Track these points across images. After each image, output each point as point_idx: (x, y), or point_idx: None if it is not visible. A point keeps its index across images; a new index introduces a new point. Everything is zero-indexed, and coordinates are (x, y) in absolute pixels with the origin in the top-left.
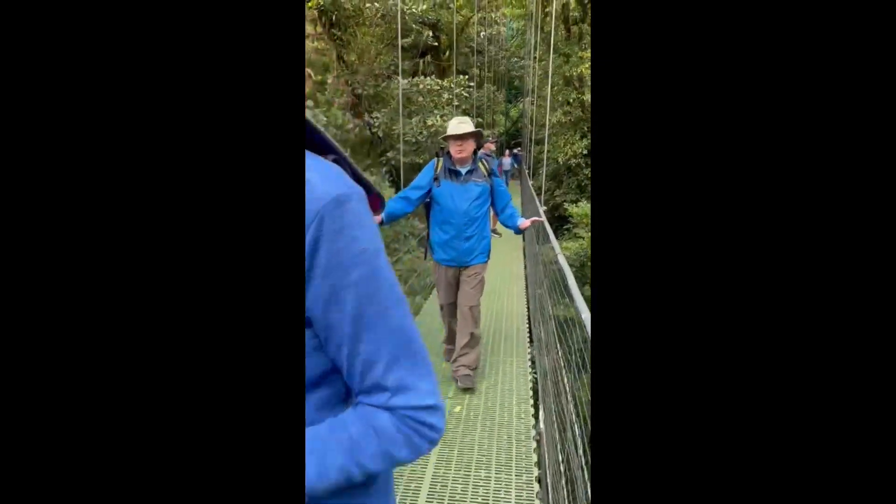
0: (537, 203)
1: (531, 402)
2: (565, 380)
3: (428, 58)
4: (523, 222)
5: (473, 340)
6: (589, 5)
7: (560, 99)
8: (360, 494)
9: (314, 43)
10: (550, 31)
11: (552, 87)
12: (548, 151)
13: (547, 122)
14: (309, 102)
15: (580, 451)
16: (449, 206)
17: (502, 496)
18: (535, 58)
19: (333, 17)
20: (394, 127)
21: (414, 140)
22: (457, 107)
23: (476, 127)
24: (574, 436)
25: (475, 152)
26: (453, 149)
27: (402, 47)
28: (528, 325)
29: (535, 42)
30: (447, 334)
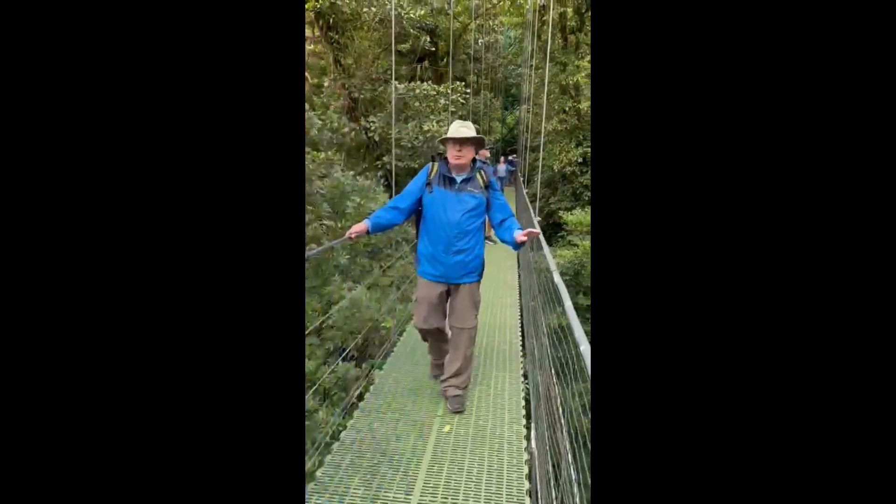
0: (531, 212)
1: (524, 421)
2: (566, 441)
3: (425, 63)
4: (519, 234)
5: (466, 361)
6: (586, 15)
7: (556, 107)
8: None
9: (311, 46)
10: (547, 39)
11: (548, 95)
12: (543, 159)
13: (542, 130)
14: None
15: (575, 489)
16: (439, 216)
17: None
18: (531, 66)
19: (331, 21)
20: (390, 131)
21: (410, 145)
22: (453, 113)
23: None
24: (569, 469)
25: (474, 161)
26: (451, 153)
27: (400, 52)
28: (521, 336)
29: (532, 50)
30: (430, 348)
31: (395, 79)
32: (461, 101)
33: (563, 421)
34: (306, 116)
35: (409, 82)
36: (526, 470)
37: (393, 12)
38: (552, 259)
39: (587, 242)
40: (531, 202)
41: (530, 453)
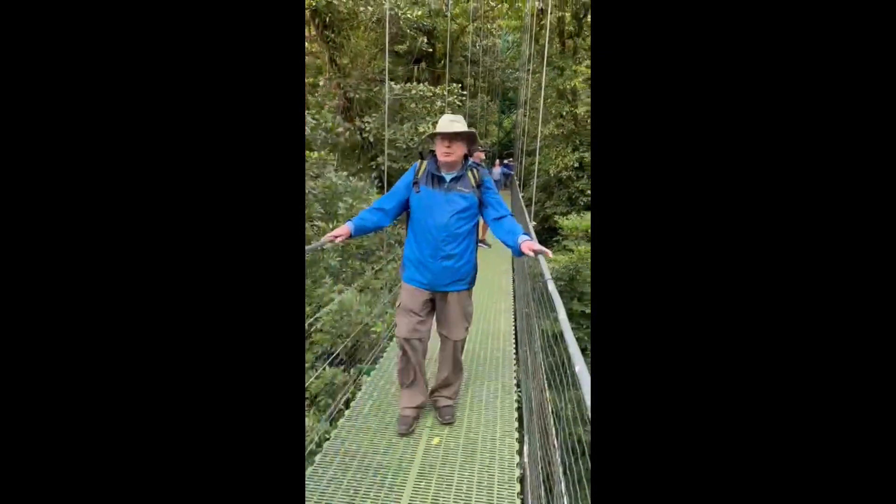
0: (526, 216)
1: (516, 434)
2: (559, 465)
3: (423, 65)
4: (528, 242)
5: (456, 372)
6: (584, 20)
7: (553, 111)
8: None
9: (306, 45)
10: (545, 43)
11: (545, 99)
12: (539, 163)
13: (539, 134)
14: None
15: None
16: (426, 217)
17: None
18: (529, 70)
19: (327, 19)
20: (385, 132)
21: (405, 146)
22: None
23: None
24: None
25: (466, 157)
26: (440, 150)
27: (397, 53)
28: (514, 343)
29: (530, 54)
30: (402, 367)
31: (392, 80)
32: (458, 103)
33: (556, 441)
34: None
35: (406, 83)
36: (518, 487)
37: (387, 9)
38: (546, 267)
39: (582, 247)
40: (526, 206)
41: (522, 468)
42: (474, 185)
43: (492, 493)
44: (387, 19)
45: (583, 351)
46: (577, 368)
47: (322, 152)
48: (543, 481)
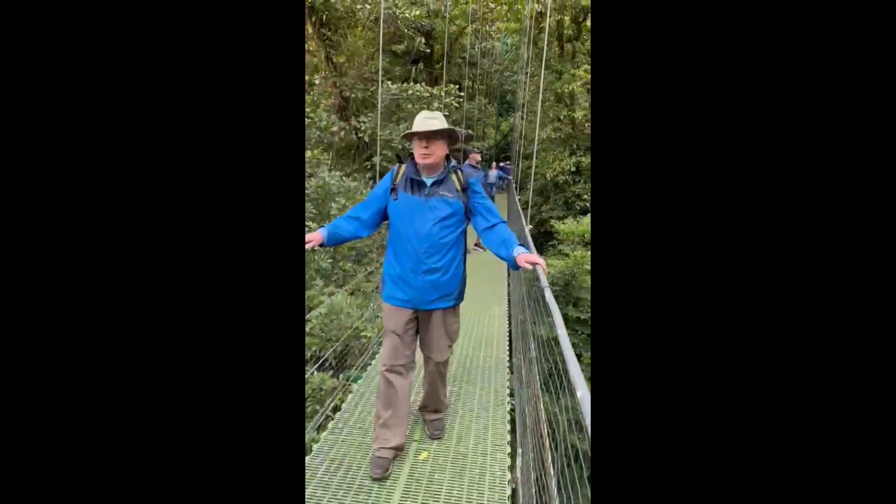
0: (523, 220)
1: (508, 448)
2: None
3: (420, 66)
4: (524, 255)
5: (442, 386)
6: (583, 24)
7: (551, 115)
8: None
9: None
10: (544, 47)
11: (543, 102)
12: (536, 167)
13: (536, 138)
14: None
15: None
16: (405, 227)
17: None
18: (527, 73)
19: (324, 17)
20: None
21: (400, 147)
22: (446, 116)
23: (465, 135)
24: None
25: (448, 158)
26: (417, 151)
27: (395, 53)
28: (508, 350)
29: (528, 57)
30: (383, 399)
31: (389, 79)
32: (455, 104)
33: (551, 457)
34: None
35: (403, 83)
36: None
37: (382, 7)
38: (543, 274)
39: (578, 252)
40: (523, 209)
41: (514, 483)
42: (459, 188)
43: None
44: (381, 14)
45: (578, 357)
46: (578, 394)
47: (315, 151)
48: (536, 497)
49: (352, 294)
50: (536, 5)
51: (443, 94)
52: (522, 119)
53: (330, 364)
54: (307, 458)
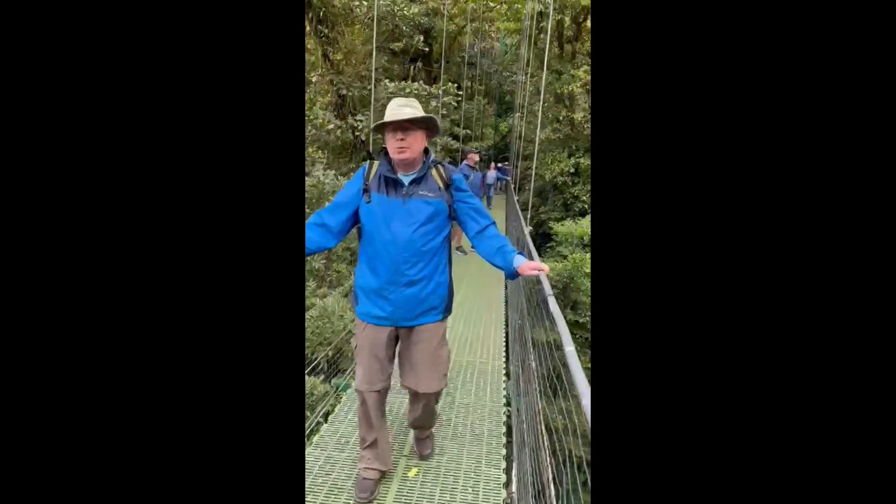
0: (522, 222)
1: (503, 464)
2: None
3: (419, 64)
4: (525, 263)
5: (431, 408)
6: (583, 25)
7: (550, 116)
8: None
9: None
10: (544, 47)
11: (543, 103)
12: (535, 168)
13: (536, 139)
14: None
15: None
16: (381, 233)
17: None
18: (527, 73)
19: (321, 14)
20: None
21: None
22: (444, 116)
23: (464, 135)
24: None
25: (427, 152)
26: (391, 145)
27: (393, 51)
28: (505, 357)
29: (528, 58)
30: (362, 424)
31: (387, 78)
32: (453, 104)
33: (550, 473)
34: None
35: (401, 82)
36: None
37: (377, 2)
38: (546, 281)
39: (577, 255)
40: (522, 211)
41: (510, 501)
42: (441, 186)
43: None
44: (375, 8)
45: None
46: (584, 402)
47: (311, 149)
48: None
49: (345, 296)
50: (537, 4)
51: (441, 92)
52: (521, 120)
53: (322, 368)
54: None
